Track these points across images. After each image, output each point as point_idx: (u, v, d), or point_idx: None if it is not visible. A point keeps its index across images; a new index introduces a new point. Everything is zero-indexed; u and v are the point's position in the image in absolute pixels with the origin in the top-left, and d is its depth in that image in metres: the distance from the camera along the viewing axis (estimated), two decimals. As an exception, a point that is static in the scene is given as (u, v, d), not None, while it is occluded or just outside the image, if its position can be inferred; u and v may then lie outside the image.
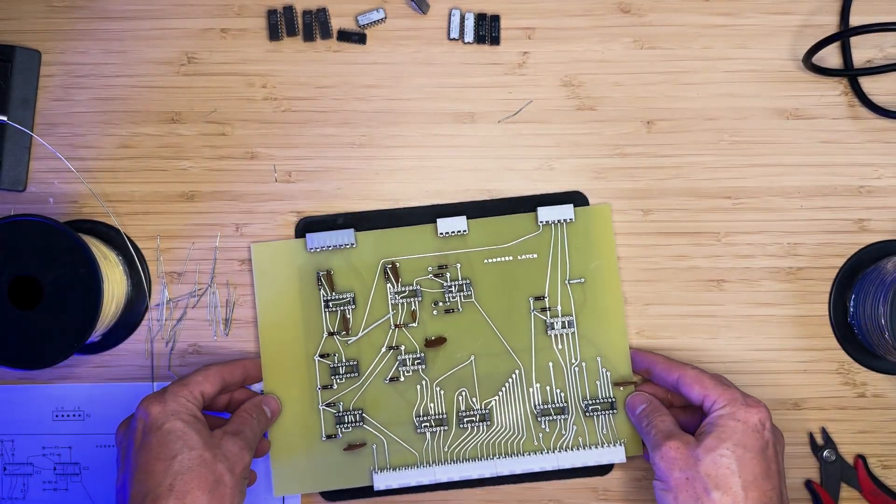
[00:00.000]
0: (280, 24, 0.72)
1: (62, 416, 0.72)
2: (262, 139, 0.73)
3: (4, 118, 0.71)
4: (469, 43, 0.73)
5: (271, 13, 0.72)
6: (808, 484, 0.72)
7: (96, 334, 0.69)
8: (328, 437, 0.70)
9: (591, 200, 0.72)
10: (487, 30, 0.72)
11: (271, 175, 0.73)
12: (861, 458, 0.72)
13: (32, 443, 0.72)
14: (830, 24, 0.73)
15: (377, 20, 0.72)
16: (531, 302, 0.71)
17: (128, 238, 0.72)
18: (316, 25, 0.73)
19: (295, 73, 0.73)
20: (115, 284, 0.68)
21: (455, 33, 0.73)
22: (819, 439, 0.72)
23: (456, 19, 0.72)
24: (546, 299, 0.71)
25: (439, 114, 0.73)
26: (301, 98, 0.73)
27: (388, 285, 0.71)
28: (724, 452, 0.63)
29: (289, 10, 0.72)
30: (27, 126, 0.72)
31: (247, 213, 0.72)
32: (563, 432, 0.71)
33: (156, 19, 0.73)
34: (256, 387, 0.71)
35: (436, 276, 0.71)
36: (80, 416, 0.72)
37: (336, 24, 0.73)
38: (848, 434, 0.72)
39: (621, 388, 0.71)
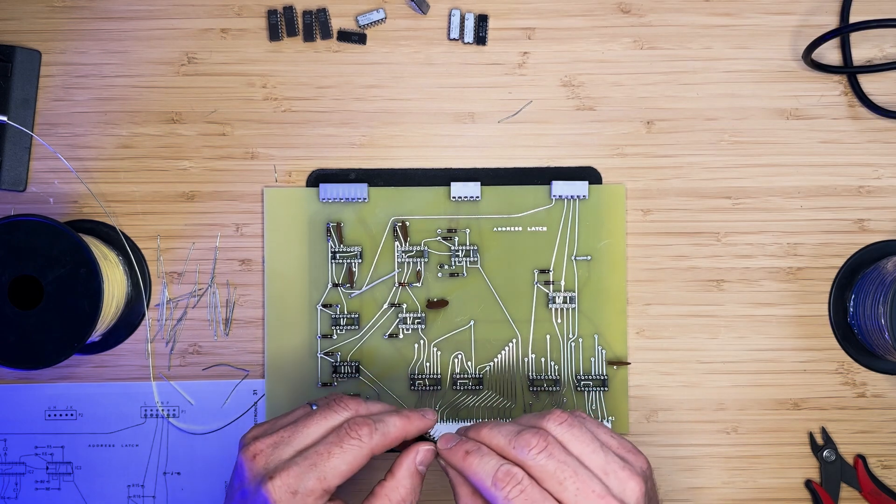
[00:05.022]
0: (280, 24, 0.73)
1: (54, 415, 0.72)
2: (262, 139, 0.73)
3: (5, 118, 0.71)
4: (469, 43, 0.73)
5: (271, 13, 0.73)
6: (808, 484, 0.72)
7: (96, 334, 0.69)
8: (323, 384, 0.72)
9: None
10: (487, 30, 0.73)
11: (271, 175, 0.73)
12: (861, 458, 0.72)
13: (25, 442, 0.72)
14: (830, 24, 0.73)
15: (377, 20, 0.72)
16: (535, 274, 0.72)
17: (128, 238, 0.72)
18: (316, 25, 0.73)
19: (295, 73, 0.73)
20: (115, 284, 0.68)
21: (455, 33, 0.73)
22: (819, 439, 0.72)
23: (456, 19, 0.72)
24: (551, 273, 0.72)
25: (439, 114, 0.73)
26: (301, 98, 0.73)
27: (396, 243, 0.72)
28: None
29: (289, 10, 0.72)
30: (27, 126, 0.72)
31: (247, 213, 0.72)
32: (553, 404, 0.72)
33: (156, 19, 0.73)
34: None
35: (444, 239, 0.72)
36: (72, 415, 0.72)
37: (336, 24, 0.73)
38: (848, 434, 0.72)
39: (615, 368, 0.71)
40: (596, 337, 0.72)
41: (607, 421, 0.71)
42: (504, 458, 0.59)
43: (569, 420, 0.59)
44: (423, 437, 0.64)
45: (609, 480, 0.58)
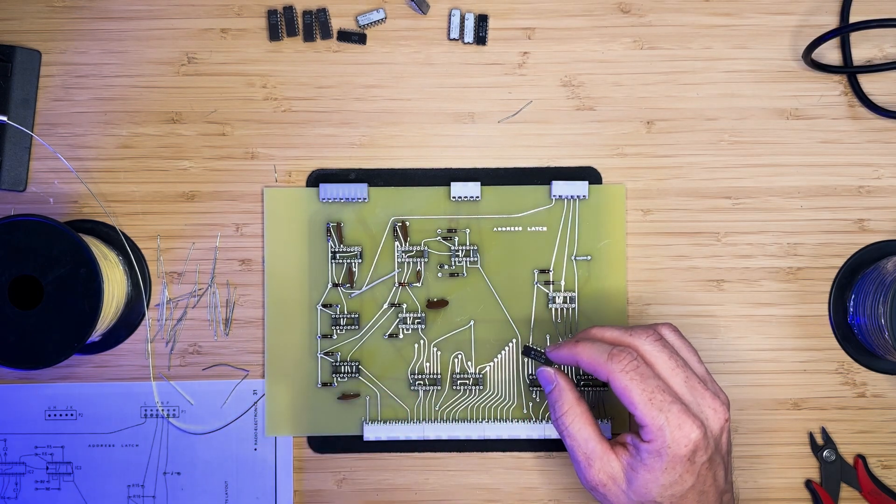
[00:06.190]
0: (280, 24, 0.73)
1: (54, 415, 0.72)
2: (262, 139, 0.73)
3: (5, 118, 0.71)
4: (469, 43, 0.73)
5: (271, 13, 0.73)
6: (808, 484, 0.72)
7: (96, 334, 0.69)
8: (323, 384, 0.72)
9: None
10: (487, 30, 0.73)
11: (271, 175, 0.73)
12: (861, 457, 0.72)
13: (25, 442, 0.72)
14: (830, 24, 0.73)
15: (377, 20, 0.72)
16: (535, 274, 0.72)
17: (128, 238, 0.72)
18: (316, 25, 0.73)
19: (295, 73, 0.73)
20: (115, 284, 0.68)
21: (455, 33, 0.73)
22: (819, 439, 0.72)
23: (456, 19, 0.72)
24: (551, 273, 0.72)
25: (439, 114, 0.73)
26: (301, 98, 0.73)
27: (396, 243, 0.72)
28: (652, 495, 0.62)
29: (289, 10, 0.73)
30: (27, 126, 0.72)
31: (247, 213, 0.72)
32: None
33: (156, 19, 0.73)
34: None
35: (444, 239, 0.72)
36: (72, 415, 0.72)
37: (336, 24, 0.73)
38: (848, 434, 0.72)
39: None
40: (596, 337, 0.72)
41: (607, 421, 0.71)
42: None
43: (678, 334, 0.65)
44: (530, 352, 0.66)
45: (710, 385, 0.63)
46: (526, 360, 0.72)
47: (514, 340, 0.72)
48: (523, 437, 0.71)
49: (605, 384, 0.71)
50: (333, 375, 0.72)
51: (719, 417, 0.62)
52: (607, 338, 0.64)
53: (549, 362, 0.66)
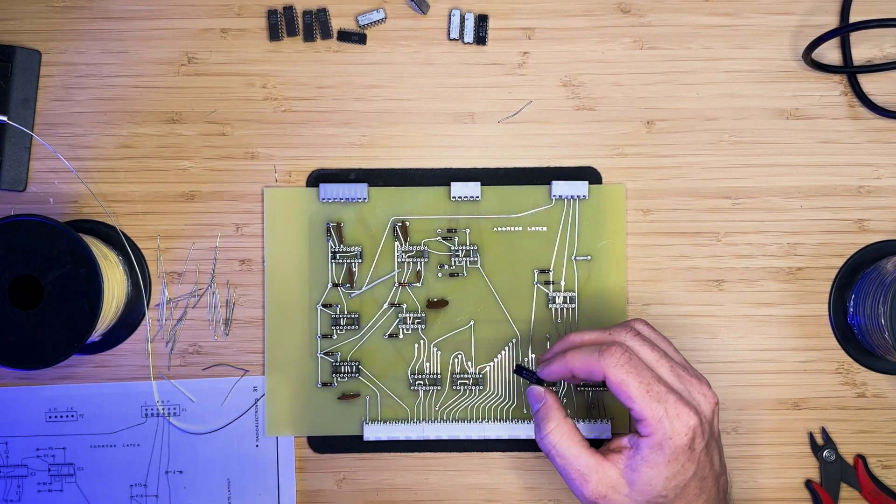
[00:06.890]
0: (280, 25, 0.73)
1: (55, 416, 0.72)
2: (262, 139, 0.73)
3: (5, 118, 0.71)
4: (469, 43, 0.73)
5: (271, 13, 0.73)
6: (808, 484, 0.72)
7: (96, 334, 0.69)
8: (323, 384, 0.72)
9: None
10: (487, 30, 0.73)
11: (271, 175, 0.73)
12: (861, 457, 0.72)
13: (26, 444, 0.72)
14: (830, 24, 0.73)
15: (377, 20, 0.72)
16: (535, 274, 0.72)
17: (128, 238, 0.72)
18: (316, 25, 0.73)
19: (295, 73, 0.73)
20: (115, 284, 0.68)
21: (455, 33, 0.73)
22: (819, 439, 0.72)
23: (456, 19, 0.72)
24: (551, 273, 0.72)
25: (439, 114, 0.73)
26: (301, 98, 0.73)
27: (396, 243, 0.72)
28: (657, 490, 0.62)
29: (289, 10, 0.73)
30: (27, 126, 0.72)
31: (247, 213, 0.73)
32: None
33: (156, 19, 0.73)
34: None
35: (444, 239, 0.72)
36: (73, 416, 0.72)
37: (336, 24, 0.73)
38: (848, 434, 0.72)
39: None
40: (596, 337, 0.72)
41: (607, 421, 0.71)
42: None
43: (651, 327, 0.65)
44: (522, 371, 0.66)
45: (692, 371, 0.64)
46: (525, 359, 0.72)
47: (514, 340, 0.72)
48: (523, 437, 0.71)
49: (602, 384, 0.71)
50: (333, 375, 0.72)
51: (709, 401, 0.63)
52: (586, 340, 0.64)
53: (540, 381, 0.66)
